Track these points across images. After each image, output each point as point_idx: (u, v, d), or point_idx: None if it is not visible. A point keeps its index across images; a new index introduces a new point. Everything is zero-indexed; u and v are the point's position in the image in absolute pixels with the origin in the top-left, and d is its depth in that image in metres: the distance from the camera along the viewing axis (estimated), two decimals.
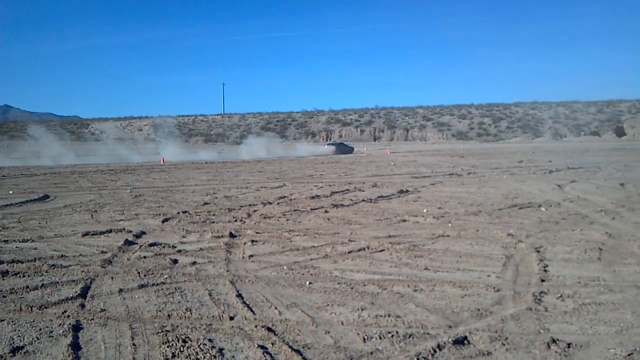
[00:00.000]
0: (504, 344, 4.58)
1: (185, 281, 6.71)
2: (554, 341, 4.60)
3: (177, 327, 5.13)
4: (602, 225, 10.06)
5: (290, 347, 4.58)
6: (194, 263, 7.57)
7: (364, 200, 13.87)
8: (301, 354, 4.44)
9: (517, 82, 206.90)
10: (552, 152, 42.37)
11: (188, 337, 4.83)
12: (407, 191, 15.94)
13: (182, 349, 4.58)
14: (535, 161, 30.11)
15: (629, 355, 4.35)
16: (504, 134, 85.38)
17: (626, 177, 19.16)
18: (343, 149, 56.83)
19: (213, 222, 10.86)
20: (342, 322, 5.18)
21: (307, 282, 6.57)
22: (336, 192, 15.81)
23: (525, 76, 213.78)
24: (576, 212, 11.51)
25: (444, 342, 4.60)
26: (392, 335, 4.79)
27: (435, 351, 4.44)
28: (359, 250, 8.23)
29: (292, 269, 7.19)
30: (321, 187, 17.69)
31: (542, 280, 6.50)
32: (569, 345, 4.55)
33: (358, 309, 5.56)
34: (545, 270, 6.93)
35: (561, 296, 5.88)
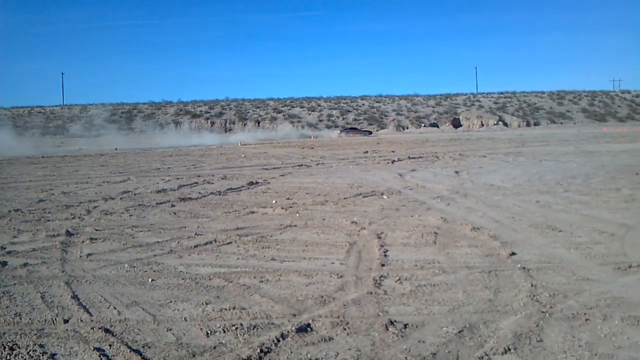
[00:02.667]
0: (345, 329, 4.70)
1: (15, 284, 6.20)
2: (391, 323, 4.80)
3: (4, 334, 4.71)
4: (438, 210, 10.70)
5: (129, 347, 4.38)
6: (26, 264, 7.02)
7: (212, 193, 13.68)
8: (140, 354, 4.25)
9: (363, 76, 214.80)
10: (395, 143, 44.49)
11: (16, 344, 4.46)
12: (256, 183, 15.96)
13: (8, 358, 4.22)
14: (379, 152, 31.41)
15: (459, 332, 4.64)
16: (352, 126, 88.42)
17: (460, 166, 20.55)
18: (354, 132, 67.60)
19: (48, 220, 10.15)
20: (185, 318, 5.04)
21: (150, 280, 6.34)
22: (184, 186, 15.47)
23: (371, 70, 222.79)
24: (415, 199, 12.15)
25: (288, 331, 4.63)
26: (237, 328, 4.74)
27: (278, 340, 4.46)
28: (206, 243, 8.09)
29: (134, 267, 6.89)
30: (168, 180, 17.22)
31: (383, 265, 6.77)
32: (405, 325, 4.77)
33: (202, 304, 5.45)
34: (385, 255, 7.23)
35: (399, 279, 6.16)
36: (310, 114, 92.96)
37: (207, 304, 5.45)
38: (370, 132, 72.71)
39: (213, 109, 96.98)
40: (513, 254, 7.19)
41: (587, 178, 15.10)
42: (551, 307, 5.14)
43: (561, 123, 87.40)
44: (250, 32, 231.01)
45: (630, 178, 14.79)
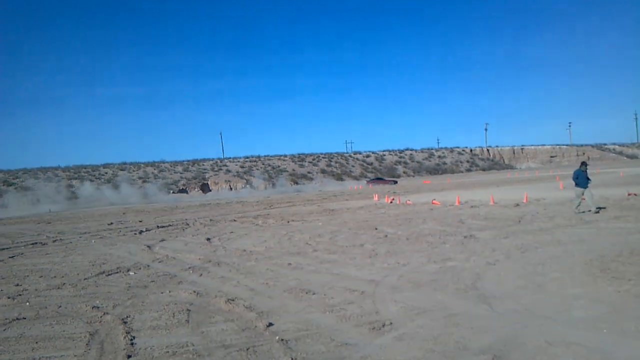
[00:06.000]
0: None
1: None
2: None
3: None
4: (190, 283, 10.09)
5: None
6: None
7: None
8: None
9: (105, 144, 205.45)
10: (143, 211, 42.76)
11: None
12: None
13: None
14: (126, 222, 29.73)
15: None
16: (95, 197, 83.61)
17: (212, 232, 20.15)
18: (381, 182, 73.00)
19: None
20: None
21: None
22: None
23: (114, 138, 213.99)
24: (165, 273, 11.38)
25: None
26: None
27: None
28: None
29: None
30: None
31: (129, 356, 5.96)
32: None
33: None
34: (132, 344, 6.41)
35: None
36: (47, 185, 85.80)
37: None
38: (396, 182, 76.36)
39: None
40: (270, 324, 6.89)
41: (333, 236, 15.74)
42: None
43: (303, 184, 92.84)
44: None
45: (371, 233, 15.76)
